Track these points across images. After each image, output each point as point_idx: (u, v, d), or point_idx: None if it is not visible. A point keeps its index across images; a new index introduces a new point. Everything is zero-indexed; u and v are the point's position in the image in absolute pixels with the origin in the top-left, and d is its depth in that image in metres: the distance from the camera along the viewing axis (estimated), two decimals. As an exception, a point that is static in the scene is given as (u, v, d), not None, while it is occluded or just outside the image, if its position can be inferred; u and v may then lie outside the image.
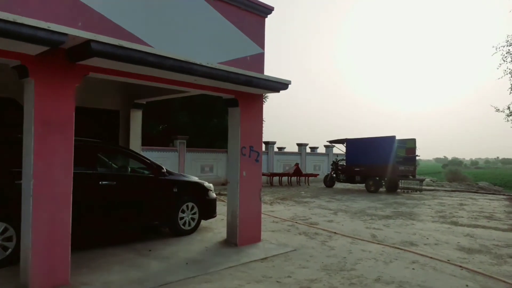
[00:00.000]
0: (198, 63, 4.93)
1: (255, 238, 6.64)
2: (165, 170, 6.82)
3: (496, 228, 8.48)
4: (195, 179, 7.60)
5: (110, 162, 6.84)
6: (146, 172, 6.73)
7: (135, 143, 9.01)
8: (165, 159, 16.60)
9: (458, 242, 6.99)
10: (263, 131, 6.90)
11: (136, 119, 9.13)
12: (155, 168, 6.73)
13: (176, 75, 5.09)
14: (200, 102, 19.42)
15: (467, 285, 4.65)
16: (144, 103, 9.17)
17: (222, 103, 6.64)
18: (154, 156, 15.51)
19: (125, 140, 9.07)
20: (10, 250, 4.93)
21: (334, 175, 19.02)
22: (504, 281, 4.79)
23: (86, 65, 4.48)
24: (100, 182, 5.89)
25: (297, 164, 21.02)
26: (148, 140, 18.21)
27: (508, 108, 19.60)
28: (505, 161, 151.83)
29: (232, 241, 6.46)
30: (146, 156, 6.98)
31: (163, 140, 19.09)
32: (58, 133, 4.28)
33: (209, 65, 5.08)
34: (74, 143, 4.46)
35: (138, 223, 6.55)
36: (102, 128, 8.99)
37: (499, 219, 9.84)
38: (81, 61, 4.32)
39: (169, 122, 19.12)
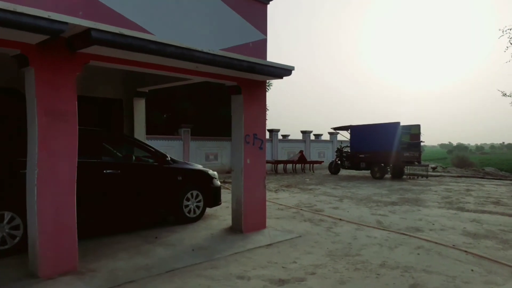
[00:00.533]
0: (199, 49, 4.88)
1: (260, 225, 6.67)
2: (169, 159, 6.83)
3: (503, 214, 8.43)
4: (200, 167, 7.61)
5: (115, 151, 6.86)
6: (150, 160, 6.75)
7: (139, 132, 9.02)
8: (170, 148, 16.64)
9: (464, 228, 6.97)
10: (266, 119, 6.86)
11: (140, 107, 9.12)
12: (160, 156, 6.74)
13: (177, 62, 5.06)
14: (204, 90, 19.36)
15: (472, 270, 4.64)
16: (147, 91, 9.14)
17: (226, 90, 6.61)
18: (159, 144, 15.55)
19: (129, 128, 9.07)
20: (17, 238, 4.98)
21: (339, 162, 18.99)
22: (510, 266, 4.77)
23: (86, 53, 4.45)
24: (105, 171, 5.92)
25: (301, 152, 21.00)
26: (152, 129, 18.25)
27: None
28: (511, 146, 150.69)
29: (237, 228, 6.49)
30: (150, 145, 6.98)
31: (167, 128, 19.12)
32: (61, 122, 4.28)
33: (210, 52, 5.03)
34: (78, 132, 4.46)
35: (143, 211, 6.57)
36: (105, 117, 8.99)
37: (506, 204, 9.79)
38: (81, 49, 4.30)
39: (173, 110, 19.12)
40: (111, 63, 4.78)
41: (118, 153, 6.89)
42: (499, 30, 19.08)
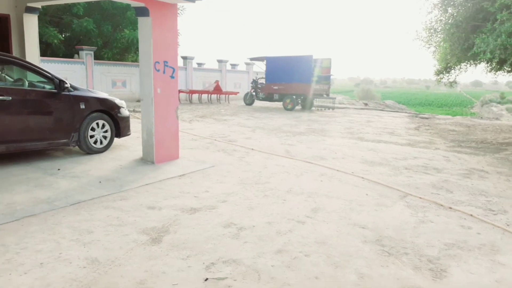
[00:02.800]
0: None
1: (173, 155, 6.57)
2: (68, 85, 6.20)
3: (396, 143, 9.37)
4: (105, 95, 7.07)
5: (4, 75, 6.04)
6: (47, 87, 6.07)
7: (31, 54, 7.95)
8: (71, 73, 15.13)
9: (363, 156, 7.63)
10: (179, 45, 6.47)
11: (31, 25, 7.94)
12: (57, 82, 6.07)
13: (74, -27, 4.39)
14: (108, 9, 17.44)
15: (367, 194, 5.15)
16: (40, 7, 7.96)
17: (133, 11, 6.00)
18: (58, 68, 14.04)
19: (20, 50, 7.95)
20: None
21: (254, 93, 19.17)
22: (398, 190, 5.39)
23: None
24: (-9, 97, 5.20)
25: (217, 82, 20.69)
26: (49, 51, 16.30)
27: (416, 31, 20.76)
28: (410, 81, 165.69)
29: (148, 159, 6.32)
30: (46, 69, 6.23)
31: (66, 50, 17.24)
32: None
33: (114, -36, 4.43)
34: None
35: (41, 142, 6.02)
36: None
37: (400, 134, 10.88)
38: None
39: (72, 30, 17.06)
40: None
41: (8, 77, 6.06)
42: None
